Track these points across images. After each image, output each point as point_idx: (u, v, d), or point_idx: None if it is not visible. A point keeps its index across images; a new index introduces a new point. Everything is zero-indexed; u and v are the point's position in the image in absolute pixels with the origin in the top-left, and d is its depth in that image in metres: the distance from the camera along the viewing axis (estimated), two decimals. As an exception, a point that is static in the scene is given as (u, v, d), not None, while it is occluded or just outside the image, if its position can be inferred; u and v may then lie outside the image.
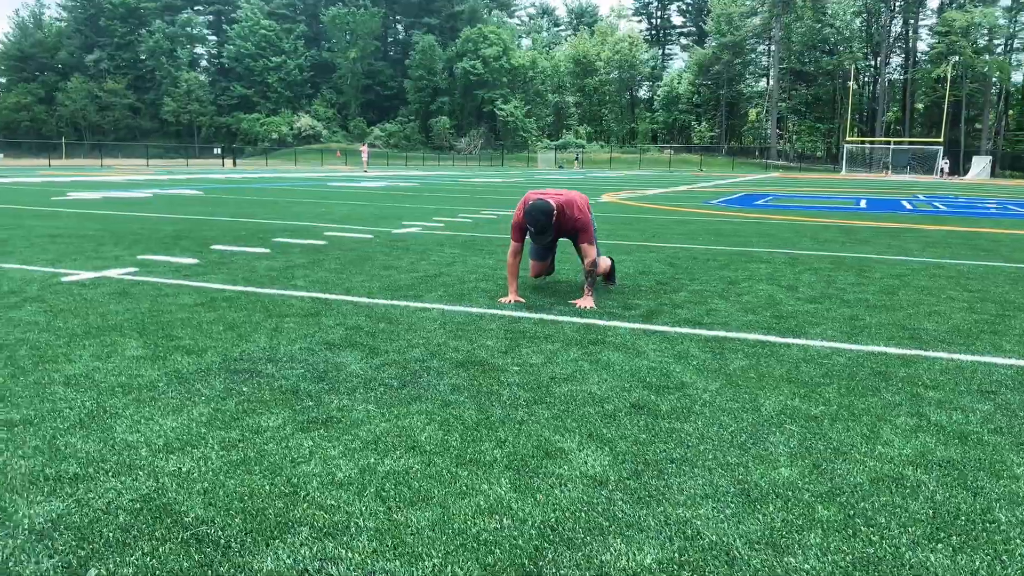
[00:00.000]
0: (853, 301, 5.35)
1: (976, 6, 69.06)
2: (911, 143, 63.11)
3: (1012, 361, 3.81)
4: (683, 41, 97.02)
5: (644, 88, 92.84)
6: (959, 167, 61.65)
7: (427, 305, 4.92)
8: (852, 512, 2.15)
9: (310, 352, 3.74)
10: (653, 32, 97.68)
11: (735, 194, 21.93)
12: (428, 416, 2.88)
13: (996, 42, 72.34)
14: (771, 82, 78.88)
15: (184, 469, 2.37)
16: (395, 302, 5.00)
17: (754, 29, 77.72)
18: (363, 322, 4.40)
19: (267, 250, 7.43)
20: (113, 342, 3.85)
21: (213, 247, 7.56)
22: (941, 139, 59.16)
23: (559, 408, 2.98)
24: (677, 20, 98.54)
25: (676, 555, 1.91)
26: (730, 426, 2.82)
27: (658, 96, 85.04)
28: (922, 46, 78.54)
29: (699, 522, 2.08)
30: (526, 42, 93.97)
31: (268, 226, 9.83)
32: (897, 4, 76.86)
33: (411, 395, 3.12)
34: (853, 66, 71.21)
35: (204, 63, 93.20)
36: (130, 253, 7.08)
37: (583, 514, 2.11)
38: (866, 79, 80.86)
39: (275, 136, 78.95)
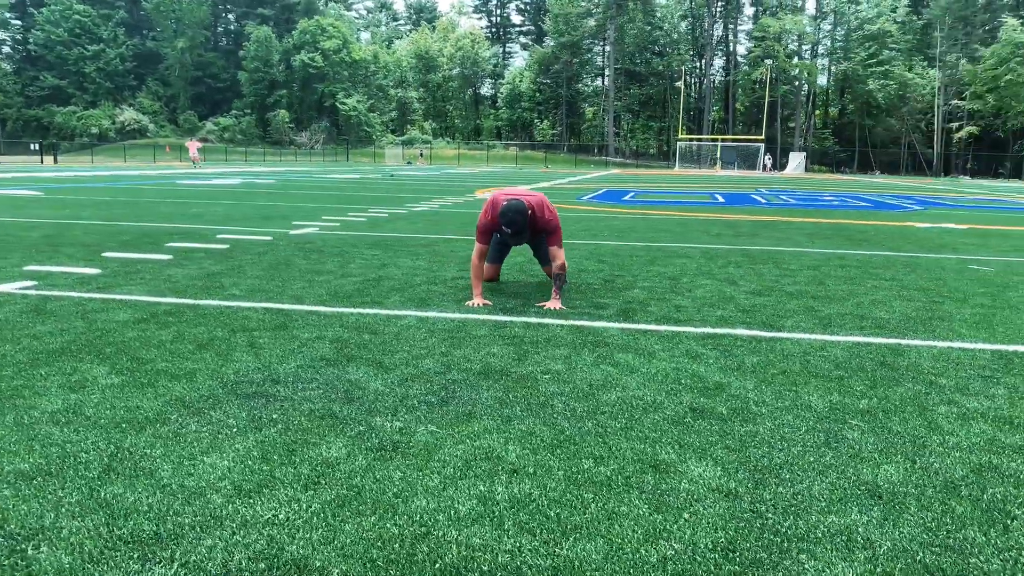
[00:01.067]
0: (796, 293, 5.60)
1: (787, 14, 74.95)
2: (737, 141, 67.68)
3: (982, 345, 4.11)
4: (523, 40, 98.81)
5: (487, 85, 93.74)
6: (777, 162, 66.81)
7: (397, 312, 4.65)
8: (986, 507, 2.20)
9: (312, 370, 3.42)
10: (494, 30, 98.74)
11: (598, 190, 22.56)
12: (500, 434, 2.69)
13: (804, 47, 78.94)
14: (607, 82, 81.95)
15: (281, 516, 2.06)
16: (359, 310, 4.69)
17: (590, 30, 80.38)
18: (343, 333, 4.09)
19: (169, 256, 6.78)
20: (75, 369, 3.34)
21: (105, 254, 6.80)
22: (762, 136, 63.84)
23: (624, 418, 2.88)
24: (516, 19, 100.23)
25: (876, 568, 1.87)
26: (800, 426, 2.83)
27: (501, 93, 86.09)
28: (741, 49, 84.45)
29: (861, 529, 2.05)
30: (365, 36, 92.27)
31: (149, 229, 9.00)
32: (718, 9, 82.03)
33: (462, 412, 2.91)
34: (681, 67, 75.29)
35: (7, 50, 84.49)
36: (7, 263, 6.24)
37: (750, 531, 2.03)
38: (693, 80, 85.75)
39: (95, 131, 72.88)
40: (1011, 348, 4.07)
